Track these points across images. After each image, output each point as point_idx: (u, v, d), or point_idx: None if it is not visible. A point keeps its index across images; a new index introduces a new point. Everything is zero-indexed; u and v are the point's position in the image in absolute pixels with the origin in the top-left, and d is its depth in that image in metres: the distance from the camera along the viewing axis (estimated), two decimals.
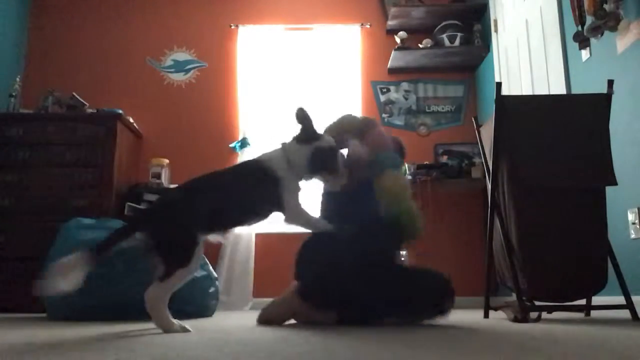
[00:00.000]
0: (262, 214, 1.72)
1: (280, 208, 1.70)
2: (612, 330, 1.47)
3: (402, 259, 3.73)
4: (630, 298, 1.97)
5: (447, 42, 4.10)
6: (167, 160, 4.01)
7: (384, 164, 2.01)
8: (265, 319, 1.88)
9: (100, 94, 4.16)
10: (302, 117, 1.81)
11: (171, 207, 1.63)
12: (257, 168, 1.72)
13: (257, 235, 3.98)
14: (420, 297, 1.80)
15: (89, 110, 3.81)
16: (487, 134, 2.30)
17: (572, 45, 2.80)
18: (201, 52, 4.43)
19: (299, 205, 1.74)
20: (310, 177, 1.83)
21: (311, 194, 1.97)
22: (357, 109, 4.22)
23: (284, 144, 1.79)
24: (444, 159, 4.04)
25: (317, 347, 1.10)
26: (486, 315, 2.24)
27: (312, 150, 1.76)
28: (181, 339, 1.30)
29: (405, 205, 1.94)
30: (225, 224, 1.70)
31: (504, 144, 2.12)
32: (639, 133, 2.35)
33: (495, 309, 2.25)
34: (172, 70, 4.40)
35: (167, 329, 1.60)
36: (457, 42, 4.09)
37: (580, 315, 2.28)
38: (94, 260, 1.51)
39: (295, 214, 1.72)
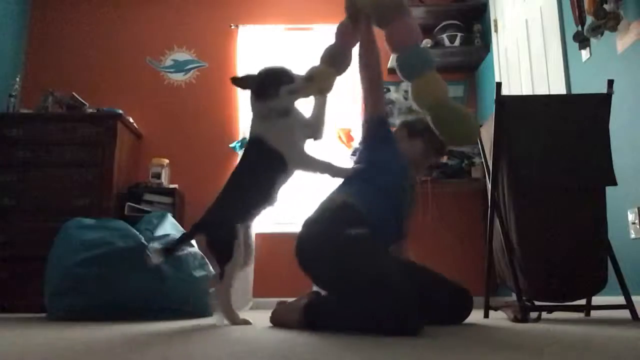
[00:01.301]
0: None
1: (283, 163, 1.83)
2: (612, 330, 1.47)
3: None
4: (630, 298, 1.97)
5: (447, 42, 4.10)
6: (167, 160, 4.01)
7: (419, 63, 1.86)
8: (276, 322, 1.82)
9: (100, 94, 4.16)
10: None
11: (219, 210, 1.87)
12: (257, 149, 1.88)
13: (257, 235, 3.97)
14: (440, 312, 1.75)
15: (89, 110, 3.81)
16: (487, 134, 2.30)
17: (572, 45, 2.80)
18: (201, 52, 4.42)
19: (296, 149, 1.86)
20: (284, 107, 1.86)
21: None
22: (357, 109, 4.22)
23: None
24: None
25: (317, 347, 1.10)
26: (486, 315, 2.24)
27: (256, 87, 1.89)
28: (181, 339, 1.30)
29: (453, 106, 1.83)
30: (257, 210, 1.92)
31: (504, 144, 2.12)
32: (639, 133, 2.35)
33: (495, 309, 2.25)
34: (172, 70, 4.39)
35: (232, 322, 1.88)
36: (457, 42, 4.09)
37: (580, 315, 2.28)
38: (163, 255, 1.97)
39: (296, 158, 1.85)
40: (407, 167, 1.97)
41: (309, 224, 1.76)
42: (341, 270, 1.54)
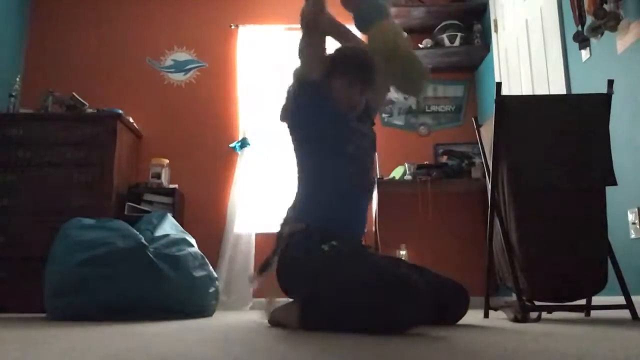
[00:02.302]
0: None
1: None
2: (612, 330, 1.47)
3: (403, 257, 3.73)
4: (630, 298, 1.97)
5: (447, 42, 4.10)
6: (167, 160, 4.01)
7: (370, 15, 1.85)
8: (275, 323, 1.83)
9: (100, 94, 4.16)
10: None
11: None
12: None
13: (257, 235, 3.98)
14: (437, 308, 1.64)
15: (89, 110, 3.81)
16: (487, 134, 2.30)
17: (572, 45, 2.80)
18: (201, 52, 4.43)
19: None
20: None
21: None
22: None
23: None
24: (444, 159, 4.04)
25: (317, 347, 1.10)
26: (486, 315, 2.24)
27: None
28: (181, 339, 1.30)
29: (406, 53, 1.82)
30: None
31: (504, 144, 2.12)
32: (639, 133, 2.35)
33: (495, 309, 2.25)
34: (172, 70, 4.39)
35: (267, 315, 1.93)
36: (457, 42, 4.09)
37: (580, 315, 2.28)
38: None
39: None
40: (340, 124, 1.86)
41: (283, 253, 1.81)
42: (329, 282, 1.54)
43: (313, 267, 1.62)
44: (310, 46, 1.86)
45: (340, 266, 1.55)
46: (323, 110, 1.85)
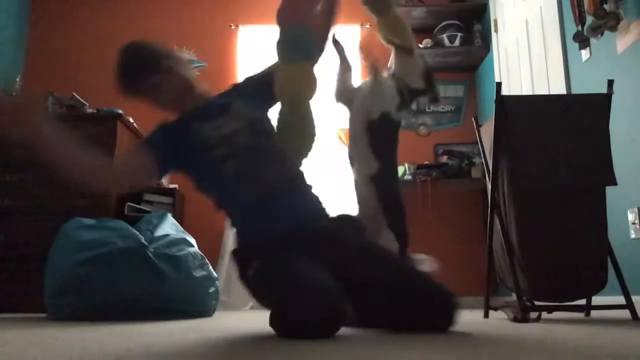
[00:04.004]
0: None
1: None
2: (612, 330, 1.47)
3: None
4: (630, 298, 1.97)
5: (447, 42, 4.10)
6: None
7: (290, 50, 1.64)
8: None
9: (100, 94, 4.14)
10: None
11: None
12: None
13: None
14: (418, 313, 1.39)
15: (89, 110, 3.81)
16: (487, 134, 2.30)
17: (572, 45, 2.80)
18: (201, 52, 4.42)
19: None
20: None
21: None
22: None
23: None
24: (444, 159, 4.05)
25: (316, 348, 1.10)
26: (486, 315, 2.25)
27: None
28: (181, 339, 1.30)
29: (299, 112, 1.64)
30: None
31: (504, 144, 2.12)
32: (639, 133, 2.35)
33: (495, 309, 2.25)
34: None
35: None
36: (457, 42, 4.09)
37: (580, 315, 2.28)
38: None
39: None
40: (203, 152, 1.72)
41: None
42: (261, 301, 1.62)
43: (248, 288, 1.68)
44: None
45: (261, 288, 1.59)
46: (179, 145, 1.78)
